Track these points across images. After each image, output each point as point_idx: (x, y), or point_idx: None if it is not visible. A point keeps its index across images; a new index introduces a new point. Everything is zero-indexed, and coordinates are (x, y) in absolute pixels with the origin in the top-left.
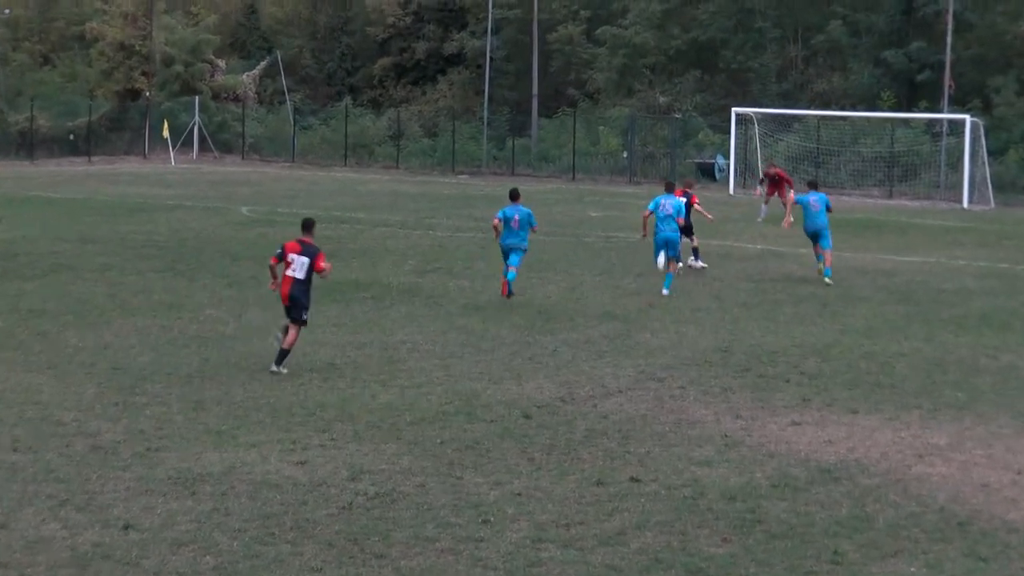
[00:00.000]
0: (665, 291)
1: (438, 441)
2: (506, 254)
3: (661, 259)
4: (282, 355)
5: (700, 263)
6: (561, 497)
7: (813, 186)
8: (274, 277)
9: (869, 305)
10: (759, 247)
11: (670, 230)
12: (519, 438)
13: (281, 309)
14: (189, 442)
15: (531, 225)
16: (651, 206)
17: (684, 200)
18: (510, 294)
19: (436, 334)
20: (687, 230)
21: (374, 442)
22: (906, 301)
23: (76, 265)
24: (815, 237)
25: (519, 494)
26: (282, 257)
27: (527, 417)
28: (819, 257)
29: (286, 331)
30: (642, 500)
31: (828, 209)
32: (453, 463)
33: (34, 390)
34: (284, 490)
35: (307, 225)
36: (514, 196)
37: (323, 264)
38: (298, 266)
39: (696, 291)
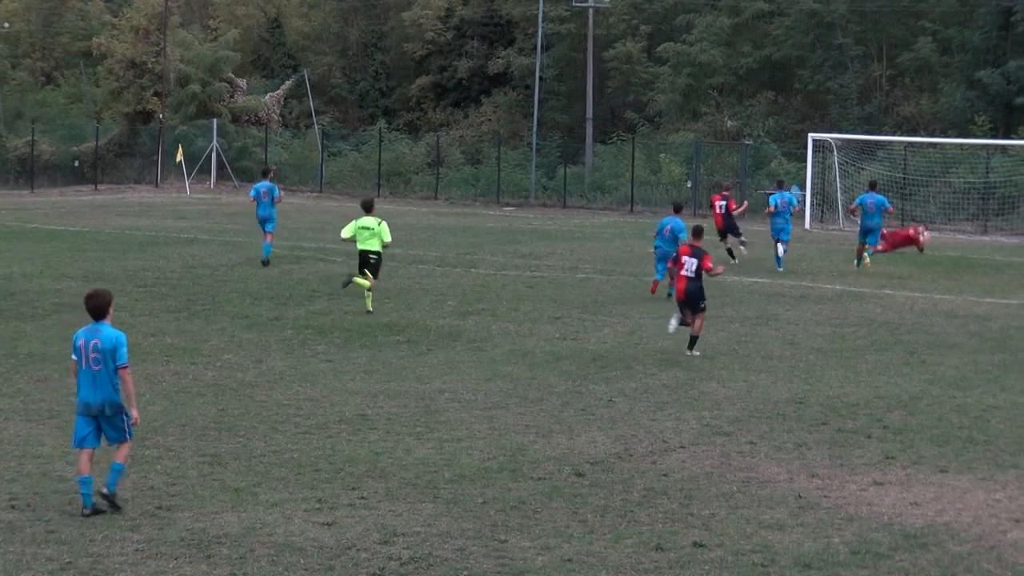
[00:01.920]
0: (780, 269)
1: (480, 501)
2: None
3: (778, 248)
4: (693, 340)
5: (740, 247)
6: (616, 564)
7: (873, 186)
8: (671, 277)
9: (960, 353)
10: (837, 287)
11: (783, 221)
12: (570, 498)
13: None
14: (204, 500)
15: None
16: (772, 201)
17: (790, 196)
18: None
19: (478, 382)
20: (732, 230)
21: (408, 501)
22: (1002, 349)
23: (80, 305)
24: (866, 233)
25: (569, 560)
26: (676, 260)
27: (579, 475)
28: (858, 262)
29: (681, 321)
30: (706, 567)
31: (885, 210)
32: (496, 525)
33: (34, 441)
34: (308, 554)
35: (697, 231)
36: (677, 208)
37: (710, 264)
38: (689, 266)
39: (768, 336)
